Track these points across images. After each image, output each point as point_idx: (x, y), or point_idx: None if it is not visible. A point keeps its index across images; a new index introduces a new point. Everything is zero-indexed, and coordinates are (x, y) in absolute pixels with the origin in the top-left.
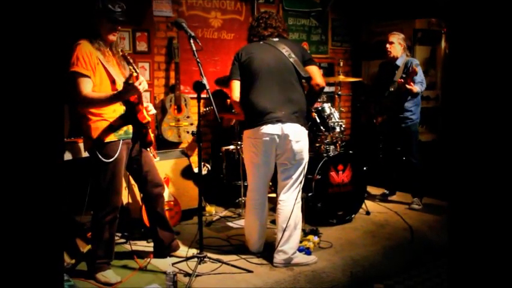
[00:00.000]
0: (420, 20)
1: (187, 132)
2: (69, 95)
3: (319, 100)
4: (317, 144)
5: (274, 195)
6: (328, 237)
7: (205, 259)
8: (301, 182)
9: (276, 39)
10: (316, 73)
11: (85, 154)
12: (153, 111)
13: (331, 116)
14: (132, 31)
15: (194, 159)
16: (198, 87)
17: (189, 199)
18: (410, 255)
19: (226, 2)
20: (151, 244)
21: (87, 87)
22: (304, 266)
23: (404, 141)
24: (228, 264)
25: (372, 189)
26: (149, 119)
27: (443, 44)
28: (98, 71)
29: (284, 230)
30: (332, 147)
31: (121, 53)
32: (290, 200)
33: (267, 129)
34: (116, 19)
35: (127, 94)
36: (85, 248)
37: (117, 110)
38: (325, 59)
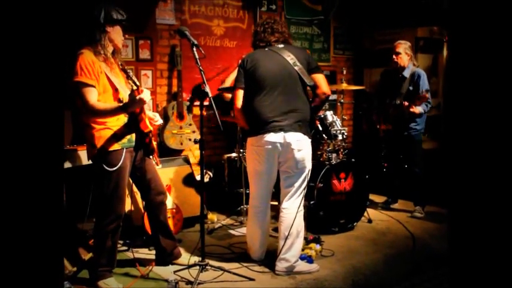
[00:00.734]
0: (422, 28)
1: (189, 139)
2: (73, 103)
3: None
4: (319, 152)
5: (276, 202)
6: (330, 245)
7: (207, 267)
8: (303, 190)
9: (281, 45)
10: (322, 81)
11: (86, 162)
12: (160, 121)
13: (334, 123)
14: (135, 39)
15: (196, 166)
16: (199, 93)
17: (191, 207)
18: (412, 263)
19: (229, 10)
20: (153, 252)
21: (94, 97)
22: (306, 274)
23: (408, 150)
24: (229, 272)
25: (374, 197)
26: (151, 128)
27: (445, 52)
28: (101, 80)
29: (286, 238)
30: (334, 155)
31: (121, 67)
32: (292, 208)
33: (270, 137)
34: (123, 26)
35: (133, 106)
36: (87, 255)
37: (120, 118)
38: (328, 66)
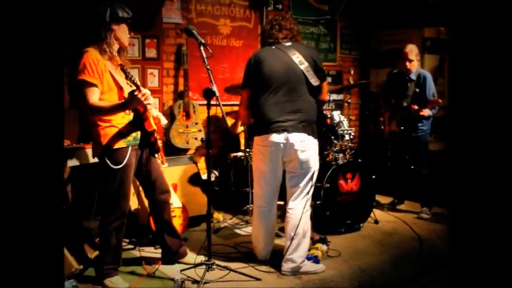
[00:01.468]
0: (429, 28)
1: (196, 138)
2: (79, 101)
3: (328, 108)
4: (326, 152)
5: (282, 202)
6: (336, 245)
7: (213, 266)
8: (309, 191)
9: (289, 43)
10: (324, 89)
11: (92, 160)
12: (164, 121)
13: (341, 124)
14: (141, 37)
15: (202, 165)
16: (208, 94)
17: (197, 206)
18: (419, 264)
19: (236, 10)
20: (159, 250)
21: (94, 96)
22: (312, 274)
23: (414, 151)
24: (236, 271)
25: (381, 198)
26: (155, 127)
27: None
28: (105, 79)
29: (292, 239)
30: (341, 155)
31: (120, 67)
32: (299, 208)
33: (273, 137)
34: (129, 24)
35: (131, 105)
36: (93, 253)
37: (126, 116)
38: (334, 66)
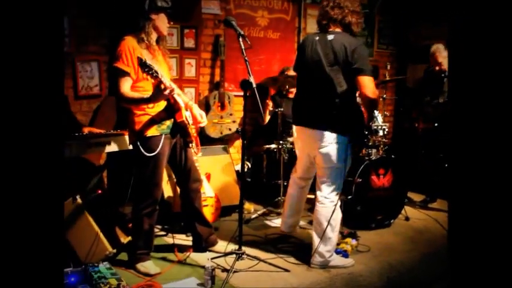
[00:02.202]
0: None
1: (229, 129)
2: (114, 88)
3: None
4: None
5: (312, 196)
6: (366, 240)
7: (243, 256)
8: (339, 185)
9: (331, 36)
10: (363, 84)
11: (130, 146)
12: (205, 123)
13: (375, 119)
14: (180, 28)
15: (235, 156)
16: (246, 85)
17: (228, 196)
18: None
19: (274, 1)
20: (191, 238)
21: (126, 86)
22: (341, 268)
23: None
24: (265, 262)
25: (413, 195)
26: (184, 119)
27: None
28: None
29: (322, 232)
30: (374, 150)
31: (141, 61)
32: (327, 202)
33: (296, 130)
34: (168, 13)
35: (156, 99)
36: (126, 239)
37: (160, 104)
38: (370, 62)
